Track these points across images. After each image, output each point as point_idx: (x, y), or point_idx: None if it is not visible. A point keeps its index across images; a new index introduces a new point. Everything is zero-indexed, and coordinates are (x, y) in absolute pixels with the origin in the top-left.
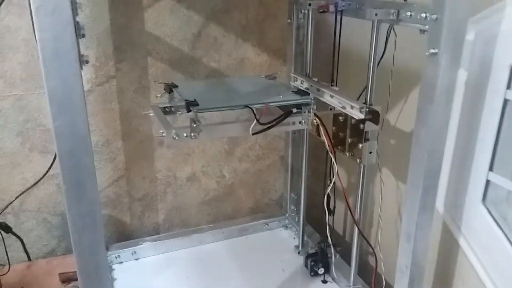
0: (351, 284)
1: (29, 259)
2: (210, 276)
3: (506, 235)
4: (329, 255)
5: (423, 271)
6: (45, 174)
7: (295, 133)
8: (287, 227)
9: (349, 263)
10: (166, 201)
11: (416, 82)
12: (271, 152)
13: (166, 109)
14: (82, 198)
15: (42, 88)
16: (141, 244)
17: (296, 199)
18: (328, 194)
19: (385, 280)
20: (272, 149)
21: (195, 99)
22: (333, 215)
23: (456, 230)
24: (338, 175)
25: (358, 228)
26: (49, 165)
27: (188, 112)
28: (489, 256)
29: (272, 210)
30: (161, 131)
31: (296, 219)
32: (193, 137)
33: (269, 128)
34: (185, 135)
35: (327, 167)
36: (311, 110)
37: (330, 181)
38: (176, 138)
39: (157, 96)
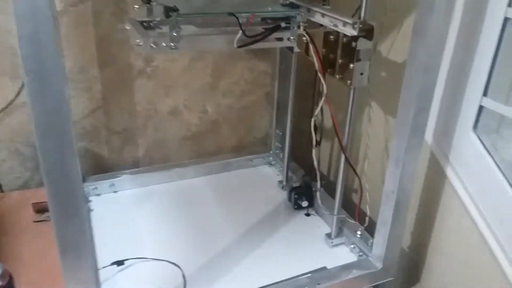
0: (335, 213)
1: (1, 190)
2: (191, 210)
3: (496, 163)
4: (313, 189)
5: (409, 197)
6: (14, 99)
7: (282, 65)
8: (271, 164)
9: (333, 197)
10: (147, 135)
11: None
12: (256, 88)
13: (144, 23)
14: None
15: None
16: (120, 177)
17: (282, 136)
18: (315, 123)
19: (369, 212)
20: (258, 84)
21: (175, 5)
22: (319, 147)
23: (443, 160)
24: (327, 99)
25: (344, 155)
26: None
27: (167, 17)
28: (478, 185)
29: (256, 149)
30: (138, 40)
31: (281, 156)
32: (172, 47)
33: (255, 41)
34: (164, 44)
35: (314, 102)
36: (301, 25)
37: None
38: (154, 47)
39: (134, 7)
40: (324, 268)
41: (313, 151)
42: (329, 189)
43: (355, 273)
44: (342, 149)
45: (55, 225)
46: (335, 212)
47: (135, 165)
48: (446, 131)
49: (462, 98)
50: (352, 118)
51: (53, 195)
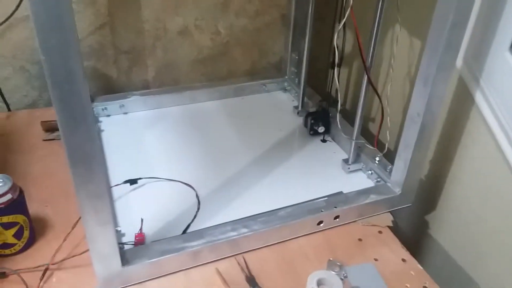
0: (354, 138)
1: (8, 109)
2: (203, 133)
3: None
4: (330, 114)
5: (436, 120)
6: (15, 10)
7: None
8: (286, 89)
9: (351, 124)
10: (156, 57)
11: None
12: (271, 9)
13: None
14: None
15: None
16: (130, 98)
17: (297, 60)
18: (337, 42)
19: (389, 138)
20: (273, 4)
21: None
22: (339, 69)
23: (473, 84)
24: (352, 11)
25: (367, 75)
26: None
27: None
28: (509, 111)
29: (270, 73)
30: None
31: (296, 82)
32: None
33: None
34: None
35: (333, 25)
36: None
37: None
38: None
39: None
40: (340, 193)
41: (335, 70)
42: (346, 116)
43: (373, 197)
44: (365, 68)
45: (64, 136)
46: (354, 137)
47: (145, 88)
48: (478, 53)
49: (500, 15)
50: (378, 34)
51: (60, 101)
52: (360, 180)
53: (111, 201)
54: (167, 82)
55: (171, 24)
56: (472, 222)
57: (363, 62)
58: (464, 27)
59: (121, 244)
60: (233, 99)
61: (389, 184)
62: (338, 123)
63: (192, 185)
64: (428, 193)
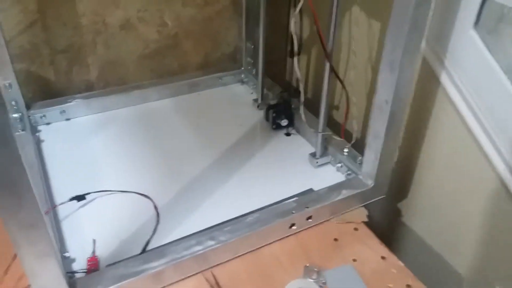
0: (320, 130)
1: None
2: (157, 136)
3: (498, 63)
4: (292, 106)
5: (406, 106)
6: None
7: None
8: (243, 81)
9: (315, 115)
10: (97, 54)
11: None
12: None
13: None
14: None
15: None
16: (71, 102)
17: (253, 50)
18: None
19: (356, 128)
20: None
21: None
22: (299, 57)
23: (438, 65)
24: None
25: (329, 63)
26: None
27: None
28: (476, 90)
29: (225, 65)
30: None
31: (253, 72)
32: None
33: None
34: None
35: (289, 10)
36: None
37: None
38: None
39: None
40: (310, 190)
41: (294, 59)
42: (309, 107)
43: (345, 193)
44: (326, 55)
45: None
46: (320, 129)
47: (89, 90)
48: (441, 32)
49: None
50: (338, 18)
51: None
52: (329, 174)
53: (55, 226)
54: (112, 82)
55: (111, 17)
56: (447, 207)
57: (324, 48)
58: (429, 6)
59: (70, 274)
60: (187, 96)
61: (360, 177)
62: (303, 115)
63: (149, 195)
64: (399, 180)
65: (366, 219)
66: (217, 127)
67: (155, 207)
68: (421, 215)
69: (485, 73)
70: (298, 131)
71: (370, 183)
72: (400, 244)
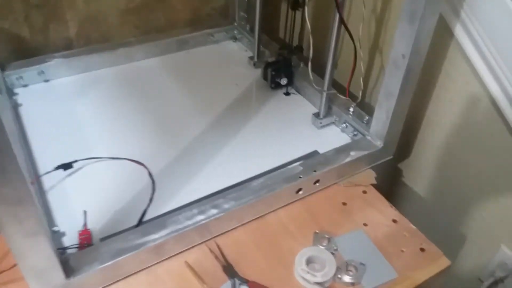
0: (325, 89)
1: None
2: (146, 97)
3: None
4: (292, 64)
5: (422, 62)
6: None
7: None
8: (236, 38)
9: (318, 73)
10: (76, 9)
11: None
12: None
13: None
14: None
15: None
16: (50, 61)
17: (247, 3)
18: None
19: (363, 86)
20: None
21: None
22: (303, 8)
23: (452, 16)
24: None
25: (339, 13)
26: None
27: None
28: (494, 41)
29: (216, 21)
30: None
31: (248, 28)
32: None
33: None
34: None
35: None
36: None
37: None
38: None
39: None
40: (315, 153)
41: (303, 11)
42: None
43: (353, 155)
44: (337, 4)
45: None
46: (325, 87)
47: (68, 48)
48: None
49: None
50: None
51: None
52: (334, 135)
53: (40, 198)
54: (94, 39)
55: None
56: (452, 167)
57: None
58: None
59: (61, 250)
60: (176, 54)
61: (368, 138)
62: (310, 73)
63: (142, 162)
64: (401, 139)
65: (374, 181)
66: (211, 88)
67: (150, 174)
68: (423, 175)
69: (506, 22)
70: (298, 91)
71: (379, 143)
72: (399, 203)
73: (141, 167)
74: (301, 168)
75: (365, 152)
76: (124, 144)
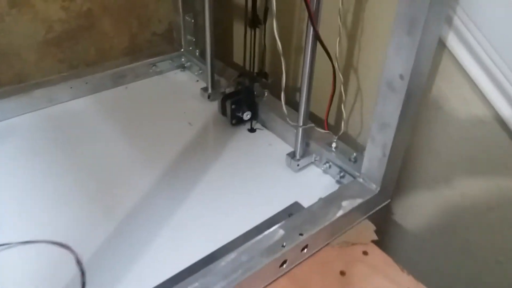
0: (301, 124)
1: None
2: (73, 150)
3: None
4: (255, 93)
5: (425, 80)
6: None
7: None
8: (184, 67)
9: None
10: None
11: None
12: None
13: None
14: None
15: None
16: None
17: (194, 25)
18: None
19: (345, 115)
20: None
21: None
22: (264, 25)
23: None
24: None
25: (313, 26)
26: None
27: None
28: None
29: (159, 48)
30: None
31: (197, 54)
32: None
33: None
34: None
35: None
36: None
37: None
38: None
39: None
40: (297, 206)
41: (272, 25)
42: (275, 92)
43: (346, 205)
44: (311, 16)
45: None
46: (301, 121)
47: None
48: None
49: None
50: None
51: None
52: (316, 179)
53: None
54: (8, 78)
55: None
56: (453, 204)
57: (308, 8)
58: None
59: None
60: (112, 91)
61: (360, 180)
62: (284, 107)
63: (67, 244)
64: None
65: (375, 237)
66: (158, 131)
67: (78, 261)
68: (417, 212)
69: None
70: (264, 125)
71: (374, 187)
72: (392, 247)
73: (66, 251)
74: (283, 232)
75: (360, 201)
76: (41, 220)
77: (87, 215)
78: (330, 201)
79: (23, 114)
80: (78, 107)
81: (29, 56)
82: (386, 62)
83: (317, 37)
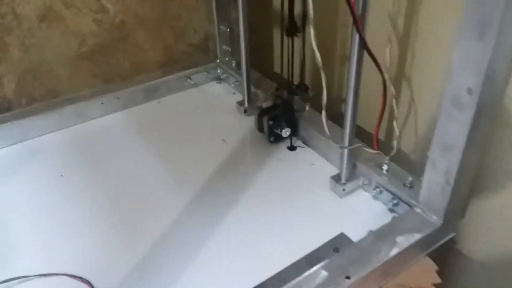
0: (346, 144)
1: None
2: (102, 169)
3: None
4: (295, 108)
5: (499, 94)
6: None
7: None
8: (220, 79)
9: (333, 118)
10: (12, 60)
11: None
12: None
13: None
14: None
15: None
16: None
17: (230, 34)
18: None
19: (397, 132)
20: None
21: None
22: (304, 33)
23: None
24: None
25: (359, 33)
26: None
27: None
28: None
29: (194, 60)
30: None
31: (234, 65)
32: None
33: None
34: None
35: None
36: None
37: None
38: None
39: None
40: (342, 238)
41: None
42: (317, 106)
43: (402, 242)
44: (356, 21)
45: None
46: (346, 141)
47: (7, 109)
48: None
49: None
50: None
51: None
52: (364, 206)
53: None
54: (39, 95)
55: (24, 6)
56: None
57: (352, 11)
58: None
59: None
60: (145, 106)
61: (418, 210)
62: (325, 125)
63: (87, 278)
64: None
65: (438, 280)
66: (190, 149)
67: None
68: (484, 241)
69: None
70: (305, 142)
71: (436, 219)
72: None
73: (85, 285)
74: (326, 273)
75: (418, 236)
76: (60, 251)
77: (110, 246)
78: (382, 235)
79: (50, 132)
80: (109, 124)
81: (61, 72)
82: (450, 74)
83: (363, 45)
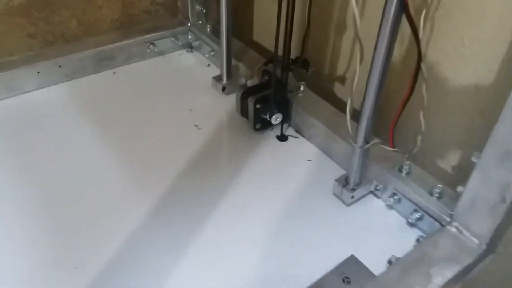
0: (360, 143)
1: None
2: (37, 150)
3: None
4: (288, 89)
5: None
6: None
7: None
8: (191, 46)
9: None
10: None
11: None
12: None
13: None
14: None
15: None
16: None
17: None
18: None
19: (424, 126)
20: None
21: None
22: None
23: None
24: None
25: None
26: None
27: None
28: None
29: (159, 22)
30: None
31: (209, 30)
32: None
33: None
34: None
35: None
36: None
37: None
38: None
39: None
40: (353, 262)
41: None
42: (318, 88)
43: (437, 277)
44: None
45: None
46: (361, 138)
47: None
48: None
49: None
50: None
51: None
52: (377, 216)
53: None
54: None
55: None
56: None
57: None
58: None
59: None
60: (95, 77)
61: (453, 230)
62: (348, 121)
63: None
64: None
65: None
66: (154, 136)
67: None
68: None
69: None
70: (299, 132)
71: (477, 243)
72: None
73: None
74: None
75: (457, 267)
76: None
77: (54, 265)
78: (412, 266)
79: None
80: (46, 99)
81: None
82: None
83: (404, 6)
